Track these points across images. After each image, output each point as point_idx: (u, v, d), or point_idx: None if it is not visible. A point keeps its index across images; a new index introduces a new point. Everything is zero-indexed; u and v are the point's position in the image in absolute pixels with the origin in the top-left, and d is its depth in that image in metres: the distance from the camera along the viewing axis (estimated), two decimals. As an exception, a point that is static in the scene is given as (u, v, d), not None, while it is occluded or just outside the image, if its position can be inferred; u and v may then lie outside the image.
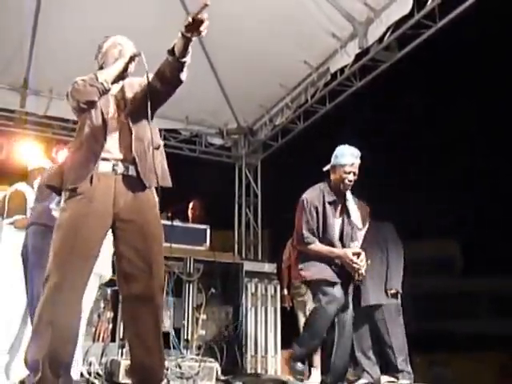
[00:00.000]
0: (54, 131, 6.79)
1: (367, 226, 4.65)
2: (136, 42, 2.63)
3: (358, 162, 3.57)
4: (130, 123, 2.44)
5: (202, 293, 4.71)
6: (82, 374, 3.81)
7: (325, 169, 3.67)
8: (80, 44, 5.22)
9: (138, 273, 2.34)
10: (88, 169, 2.33)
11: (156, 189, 2.47)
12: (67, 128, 6.68)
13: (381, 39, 5.11)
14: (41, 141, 6.75)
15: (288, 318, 5.29)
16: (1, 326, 3.79)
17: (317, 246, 3.55)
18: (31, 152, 6.55)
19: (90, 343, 4.08)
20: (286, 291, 5.30)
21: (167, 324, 4.30)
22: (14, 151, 6.70)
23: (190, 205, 6.05)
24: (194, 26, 2.15)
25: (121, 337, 4.25)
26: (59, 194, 2.49)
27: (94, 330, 4.19)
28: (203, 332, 4.63)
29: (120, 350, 4.20)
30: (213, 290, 4.76)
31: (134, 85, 2.56)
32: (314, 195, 3.61)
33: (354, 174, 3.55)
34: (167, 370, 3.50)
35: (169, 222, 4.54)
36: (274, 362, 5.10)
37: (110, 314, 4.27)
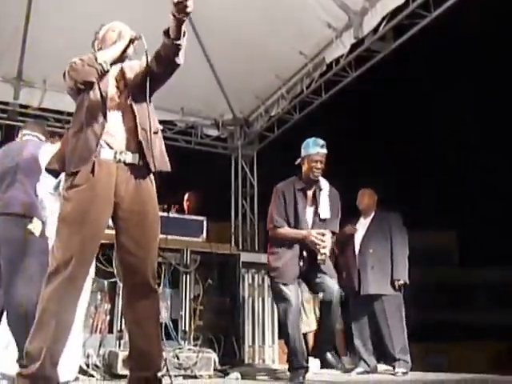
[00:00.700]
0: (49, 123, 6.74)
1: (373, 214, 4.69)
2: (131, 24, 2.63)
3: (323, 151, 3.86)
4: (133, 107, 2.44)
5: (199, 284, 4.72)
6: (80, 367, 3.82)
7: (296, 162, 3.94)
8: (73, 34, 5.20)
9: (137, 263, 2.36)
10: (90, 151, 2.32)
11: (155, 174, 2.47)
12: (62, 120, 6.64)
13: (376, 29, 5.10)
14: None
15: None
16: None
17: (285, 229, 3.78)
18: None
19: (87, 335, 4.08)
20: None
21: (165, 315, 4.30)
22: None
23: (186, 196, 6.05)
24: (180, 6, 2.15)
25: (118, 328, 4.26)
26: (56, 177, 2.49)
27: (91, 321, 4.19)
28: (201, 323, 4.64)
29: (118, 342, 4.21)
30: (210, 281, 4.77)
31: (134, 67, 2.56)
32: (284, 184, 3.93)
33: (321, 162, 3.84)
34: (165, 360, 3.51)
35: (165, 214, 4.53)
36: (272, 352, 5.14)
37: (107, 306, 4.27)
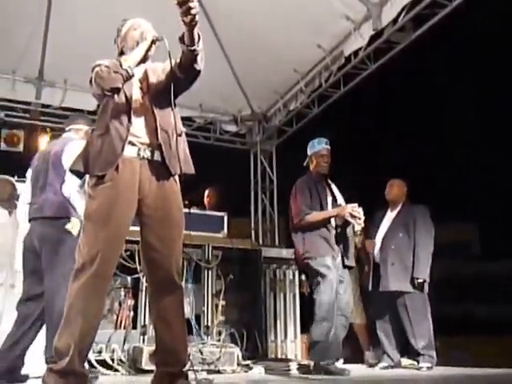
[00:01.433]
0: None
1: (400, 207, 4.67)
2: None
3: (327, 147, 4.26)
4: (154, 109, 2.46)
5: (220, 279, 4.74)
6: (105, 361, 3.88)
7: (305, 163, 4.33)
8: (94, 33, 5.25)
9: (161, 259, 2.38)
10: (115, 154, 2.35)
11: (179, 176, 2.49)
12: (83, 119, 6.71)
13: (395, 20, 5.03)
14: (57, 132, 6.82)
15: (307, 302, 5.31)
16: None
17: (313, 215, 3.98)
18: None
19: (111, 331, 4.13)
20: (304, 277, 5.31)
21: (187, 311, 4.34)
22: (31, 143, 6.78)
23: (206, 192, 6.06)
24: (184, 8, 2.15)
25: (142, 324, 4.31)
26: (82, 178, 2.52)
27: (115, 317, 4.24)
28: (223, 318, 4.67)
29: (142, 337, 4.26)
30: (231, 277, 4.79)
31: (157, 70, 2.58)
32: (303, 180, 4.22)
33: (327, 156, 4.23)
34: (189, 355, 3.54)
35: (186, 210, 4.55)
36: (294, 347, 5.13)
37: (130, 302, 4.31)
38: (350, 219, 3.89)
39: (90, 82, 2.45)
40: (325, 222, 3.97)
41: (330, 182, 4.24)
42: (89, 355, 3.62)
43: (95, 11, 5.40)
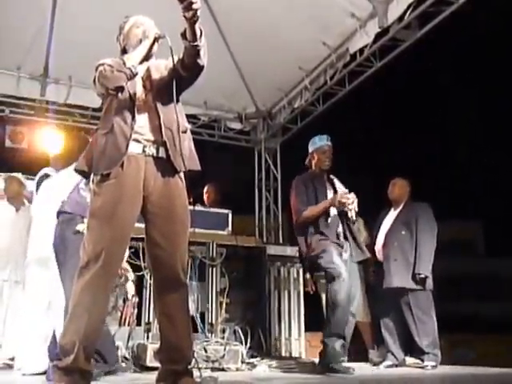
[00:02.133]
0: (75, 119, 6.83)
1: (402, 206, 4.66)
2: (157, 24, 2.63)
3: (330, 143, 4.27)
4: (158, 106, 2.45)
5: (225, 277, 4.74)
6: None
7: (306, 161, 4.33)
8: (98, 29, 5.22)
9: (166, 256, 2.38)
10: (120, 152, 2.34)
11: (184, 173, 2.49)
12: (87, 116, 6.72)
13: (401, 18, 5.01)
14: (61, 129, 6.84)
15: (311, 300, 5.30)
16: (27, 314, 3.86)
17: (309, 209, 4.00)
18: (52, 140, 6.64)
19: (116, 328, 4.13)
20: (308, 275, 5.30)
21: (191, 308, 4.33)
22: (35, 140, 6.79)
23: (205, 189, 6.04)
24: (185, 4, 2.15)
25: (146, 321, 4.31)
26: (87, 178, 2.52)
27: (119, 314, 4.24)
28: (227, 316, 4.66)
29: (146, 334, 4.26)
30: (236, 274, 4.79)
31: (160, 67, 2.57)
32: (299, 177, 4.24)
33: (329, 153, 4.23)
34: (193, 353, 3.54)
35: (191, 207, 4.55)
36: (298, 345, 5.13)
37: (134, 299, 4.31)
38: (341, 207, 3.94)
39: (94, 81, 2.44)
40: (321, 215, 3.97)
41: (332, 177, 4.23)
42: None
43: (100, 8, 5.40)
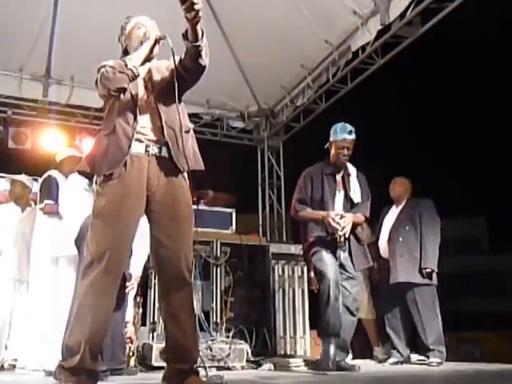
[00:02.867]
0: (77, 119, 6.84)
1: (404, 202, 4.64)
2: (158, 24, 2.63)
3: (350, 137, 3.88)
4: (160, 107, 2.46)
5: (229, 276, 4.75)
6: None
7: (325, 146, 3.98)
8: (100, 30, 5.25)
9: (171, 255, 2.38)
10: (122, 153, 2.35)
11: (188, 172, 2.49)
12: (89, 116, 6.73)
13: (403, 15, 4.99)
14: (64, 129, 6.85)
15: (316, 298, 5.30)
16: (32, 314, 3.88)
17: (305, 211, 3.85)
18: (54, 141, 6.66)
19: (121, 327, 4.13)
20: (312, 273, 5.30)
21: (196, 307, 4.33)
22: (38, 141, 6.80)
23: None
24: (187, 5, 2.14)
25: (151, 321, 4.32)
26: (91, 179, 2.53)
27: (125, 314, 4.25)
28: (232, 314, 4.67)
29: (151, 334, 4.27)
30: (240, 273, 4.80)
31: (162, 68, 2.57)
32: (311, 169, 3.98)
33: (348, 148, 3.87)
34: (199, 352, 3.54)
35: (195, 206, 4.55)
36: (303, 343, 5.14)
37: (139, 299, 4.32)
38: (329, 229, 3.74)
39: (96, 83, 2.45)
40: (315, 221, 3.84)
41: (350, 171, 3.92)
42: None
43: (102, 8, 5.40)
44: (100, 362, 2.35)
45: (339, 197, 3.89)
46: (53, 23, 5.74)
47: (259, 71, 6.64)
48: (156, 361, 3.72)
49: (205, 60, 2.41)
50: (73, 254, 3.44)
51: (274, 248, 5.22)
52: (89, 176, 2.49)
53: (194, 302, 2.54)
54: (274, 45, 5.98)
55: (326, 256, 3.72)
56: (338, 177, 3.91)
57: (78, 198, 3.54)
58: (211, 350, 3.94)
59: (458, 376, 3.74)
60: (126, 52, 2.61)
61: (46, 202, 4.04)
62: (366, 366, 4.41)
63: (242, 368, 4.00)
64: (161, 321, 3.91)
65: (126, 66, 2.38)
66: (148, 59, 2.54)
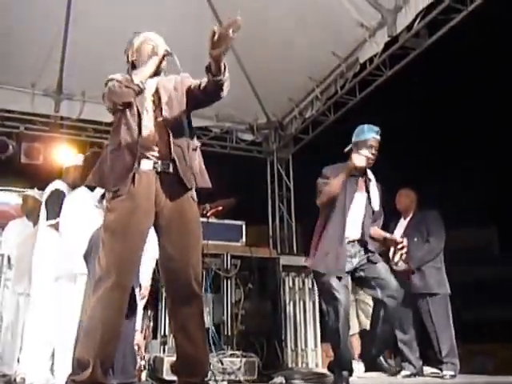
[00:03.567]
0: (88, 134, 6.92)
1: (411, 215, 4.63)
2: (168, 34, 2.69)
3: (378, 137, 3.62)
4: (167, 123, 2.49)
5: (240, 288, 4.75)
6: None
7: (346, 150, 3.69)
8: (111, 46, 5.30)
9: (179, 268, 2.40)
10: (127, 169, 2.38)
11: (196, 190, 2.51)
12: (100, 130, 6.80)
13: (410, 26, 5.02)
14: (75, 144, 6.93)
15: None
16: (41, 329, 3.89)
17: (330, 183, 3.49)
18: (67, 156, 6.73)
19: (132, 341, 4.14)
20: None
21: (207, 320, 4.33)
22: (50, 156, 6.88)
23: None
24: (220, 42, 2.19)
25: (162, 334, 4.32)
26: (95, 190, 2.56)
27: (135, 327, 4.25)
28: (243, 327, 4.66)
29: (162, 347, 4.27)
30: (250, 286, 4.79)
31: (170, 84, 2.61)
32: (333, 167, 3.66)
33: (375, 149, 3.59)
34: (209, 365, 3.54)
35: (205, 219, 4.58)
36: (315, 356, 5.11)
37: (150, 312, 4.33)
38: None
39: (103, 97, 2.49)
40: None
41: (370, 177, 3.66)
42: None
43: (113, 23, 5.48)
44: (111, 376, 2.36)
45: (362, 199, 3.62)
46: (64, 39, 5.84)
47: (268, 84, 6.69)
48: (167, 374, 3.70)
49: (225, 92, 2.46)
50: (72, 272, 3.47)
51: (284, 260, 5.21)
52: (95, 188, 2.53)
53: (205, 315, 2.55)
54: (282, 57, 6.02)
55: (335, 281, 3.38)
56: (361, 180, 3.65)
57: (85, 215, 3.53)
58: (222, 363, 3.93)
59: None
60: (133, 66, 2.65)
61: (58, 219, 4.01)
62: (377, 379, 4.37)
63: (253, 381, 3.97)
64: (172, 334, 3.91)
65: (132, 80, 2.41)
66: (156, 73, 2.58)
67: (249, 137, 7.63)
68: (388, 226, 4.83)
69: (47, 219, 4.06)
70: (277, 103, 7.14)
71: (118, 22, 5.37)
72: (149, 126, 2.47)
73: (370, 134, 3.60)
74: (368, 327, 4.41)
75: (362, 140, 3.61)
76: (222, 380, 3.76)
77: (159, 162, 2.45)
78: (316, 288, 5.02)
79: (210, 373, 2.50)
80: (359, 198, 3.61)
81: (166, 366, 3.73)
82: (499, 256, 24.17)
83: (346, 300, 3.40)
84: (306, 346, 5.11)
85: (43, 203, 4.19)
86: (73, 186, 4.01)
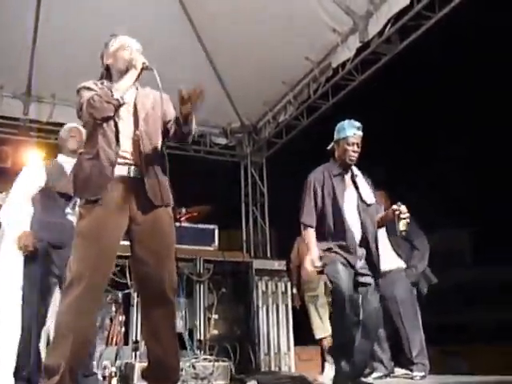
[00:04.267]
0: (58, 137, 6.79)
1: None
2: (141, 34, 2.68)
3: (359, 133, 3.54)
4: (143, 138, 2.48)
5: (212, 293, 4.73)
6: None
7: (328, 147, 3.64)
8: (81, 49, 5.26)
9: (152, 273, 2.38)
10: (106, 178, 2.37)
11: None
12: (71, 134, 6.69)
13: (381, 32, 5.09)
14: (45, 147, 6.80)
15: (299, 314, 5.29)
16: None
17: (308, 236, 3.44)
18: (36, 159, 6.60)
19: (103, 347, 4.09)
20: (295, 290, 5.30)
21: (180, 325, 4.31)
22: (19, 159, 6.74)
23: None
24: (190, 100, 2.41)
25: (134, 340, 4.27)
26: (69, 200, 2.52)
27: (106, 333, 4.20)
28: (216, 332, 4.64)
29: (133, 353, 4.21)
30: (223, 290, 4.78)
31: (148, 98, 2.60)
32: (317, 171, 3.58)
33: (358, 145, 3.52)
34: (182, 370, 3.51)
35: (177, 224, 4.54)
36: (288, 359, 5.11)
37: (121, 318, 4.28)
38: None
39: (80, 109, 2.43)
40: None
41: (356, 173, 3.59)
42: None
43: (83, 27, 5.42)
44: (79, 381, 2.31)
45: (352, 196, 3.51)
46: (33, 40, 5.74)
47: (241, 88, 6.69)
48: (138, 381, 3.65)
49: (191, 138, 2.61)
50: None
51: (257, 264, 5.20)
52: (69, 198, 2.50)
53: (178, 320, 2.53)
54: (255, 62, 6.04)
55: (341, 268, 3.32)
56: (347, 177, 3.56)
57: None
58: (194, 368, 3.89)
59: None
60: (107, 69, 2.62)
61: None
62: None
63: (226, 386, 3.96)
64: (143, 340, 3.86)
65: (113, 95, 2.38)
66: (133, 85, 2.55)
67: (222, 140, 7.62)
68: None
69: None
70: (250, 107, 7.15)
71: (89, 24, 5.33)
72: (125, 135, 2.46)
73: (350, 130, 3.52)
74: None
75: (342, 137, 3.53)
76: (195, 385, 3.73)
77: (132, 167, 2.44)
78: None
79: (180, 378, 2.45)
80: (349, 196, 3.50)
81: (138, 373, 3.68)
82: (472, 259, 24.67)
83: (348, 285, 3.28)
84: (279, 349, 5.10)
85: None
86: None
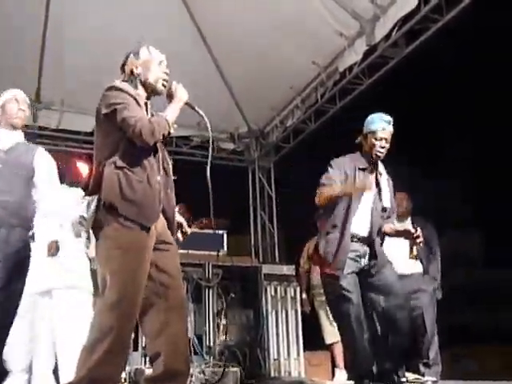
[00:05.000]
0: (67, 144, 6.83)
1: (409, 218, 4.60)
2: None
3: (389, 128, 3.37)
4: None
5: (221, 298, 4.72)
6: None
7: (357, 141, 3.48)
8: (91, 54, 5.30)
9: (173, 283, 2.38)
10: (157, 209, 2.37)
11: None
12: (79, 140, 6.73)
13: (388, 36, 5.08)
14: (54, 155, 6.82)
15: (309, 319, 5.27)
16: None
17: (331, 186, 3.27)
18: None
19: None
20: (304, 295, 5.28)
21: (188, 330, 4.30)
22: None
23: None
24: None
25: (143, 345, 4.26)
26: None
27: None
28: (225, 337, 4.63)
29: (143, 359, 4.21)
30: (232, 295, 4.77)
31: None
32: (343, 159, 3.44)
33: (386, 140, 3.35)
34: (191, 376, 3.50)
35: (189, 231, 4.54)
36: (297, 365, 5.08)
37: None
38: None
39: (133, 131, 2.27)
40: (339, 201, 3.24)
41: (381, 171, 3.44)
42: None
43: (92, 33, 5.44)
44: None
45: (370, 195, 3.35)
46: (42, 47, 5.78)
47: (249, 93, 6.70)
48: (148, 386, 3.65)
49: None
50: (47, 287, 3.39)
51: (266, 269, 5.19)
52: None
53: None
54: (262, 67, 6.05)
55: (350, 280, 3.21)
56: (372, 176, 3.39)
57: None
58: (204, 373, 3.90)
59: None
60: (131, 74, 2.50)
61: None
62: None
63: (236, 391, 3.95)
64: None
65: (169, 125, 2.36)
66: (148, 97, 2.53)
67: (230, 146, 7.62)
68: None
69: None
70: (258, 112, 7.16)
71: (100, 31, 5.35)
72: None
73: (379, 124, 3.36)
74: None
75: (370, 131, 3.38)
76: (204, 391, 3.72)
77: None
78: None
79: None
80: (368, 195, 3.33)
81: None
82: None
83: (358, 299, 3.18)
84: (288, 355, 5.08)
85: None
86: None
